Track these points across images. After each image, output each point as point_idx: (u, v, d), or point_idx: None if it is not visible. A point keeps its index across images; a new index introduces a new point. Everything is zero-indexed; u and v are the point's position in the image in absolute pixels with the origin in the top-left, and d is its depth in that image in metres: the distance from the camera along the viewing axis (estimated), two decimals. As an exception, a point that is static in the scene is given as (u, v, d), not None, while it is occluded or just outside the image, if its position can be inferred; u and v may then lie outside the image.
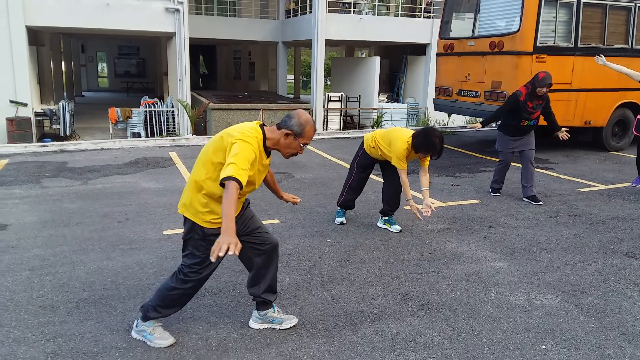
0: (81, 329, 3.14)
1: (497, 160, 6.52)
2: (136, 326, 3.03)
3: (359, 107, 16.11)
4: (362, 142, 5.08)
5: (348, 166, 5.72)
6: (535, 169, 6.37)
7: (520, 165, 6.33)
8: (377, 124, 13.94)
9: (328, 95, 15.25)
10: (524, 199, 6.24)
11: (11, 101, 11.08)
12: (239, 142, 2.60)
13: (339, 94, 15.44)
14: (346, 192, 5.18)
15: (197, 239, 2.82)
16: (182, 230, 2.95)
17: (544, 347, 3.10)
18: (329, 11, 14.88)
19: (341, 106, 15.32)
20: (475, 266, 4.28)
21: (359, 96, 16.14)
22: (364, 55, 27.26)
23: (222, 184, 2.49)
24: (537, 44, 8.21)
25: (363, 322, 3.32)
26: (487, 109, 8.95)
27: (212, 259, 2.26)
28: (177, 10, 12.03)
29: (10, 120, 10.70)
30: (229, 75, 24.24)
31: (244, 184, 2.49)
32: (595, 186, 7.06)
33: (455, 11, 10.45)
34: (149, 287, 3.72)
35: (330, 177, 7.34)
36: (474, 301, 3.66)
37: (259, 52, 24.22)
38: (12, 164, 7.77)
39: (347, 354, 2.97)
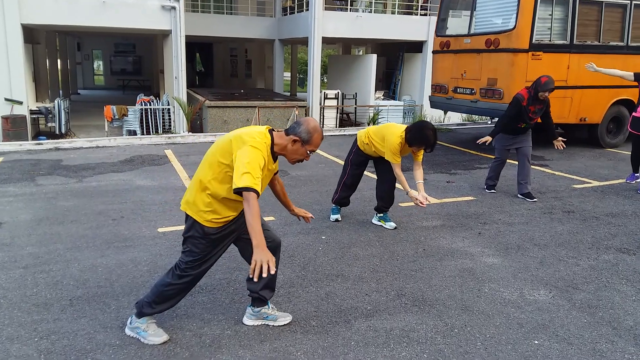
0: (75, 326, 3.14)
1: (493, 157, 6.53)
2: (130, 323, 3.04)
3: (356, 104, 16.12)
4: (356, 139, 5.09)
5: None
6: (531, 166, 6.39)
7: (516, 162, 6.35)
8: (374, 121, 13.95)
9: (324, 92, 15.25)
10: (519, 195, 6.26)
11: (6, 99, 11.06)
12: (250, 148, 2.61)
13: (336, 92, 15.45)
14: (341, 189, 5.19)
15: (197, 237, 2.84)
16: (176, 228, 2.96)
17: (536, 342, 3.12)
18: (326, 9, 14.89)
19: (337, 104, 15.32)
20: (469, 262, 4.30)
21: (356, 94, 16.16)
22: (360, 53, 27.27)
23: (238, 193, 2.53)
24: (533, 41, 8.23)
25: (357, 318, 3.33)
26: (483, 106, 8.97)
27: (255, 279, 2.36)
28: (173, 7, 12.02)
29: (5, 118, 10.68)
30: (226, 72, 24.19)
31: (260, 193, 2.56)
32: (590, 183, 7.08)
33: (452, 9, 10.46)
34: (143, 284, 3.72)
35: (326, 174, 7.35)
36: (467, 297, 3.67)
37: (256, 50, 24.20)
38: (6, 162, 7.75)
39: (340, 349, 2.98)
